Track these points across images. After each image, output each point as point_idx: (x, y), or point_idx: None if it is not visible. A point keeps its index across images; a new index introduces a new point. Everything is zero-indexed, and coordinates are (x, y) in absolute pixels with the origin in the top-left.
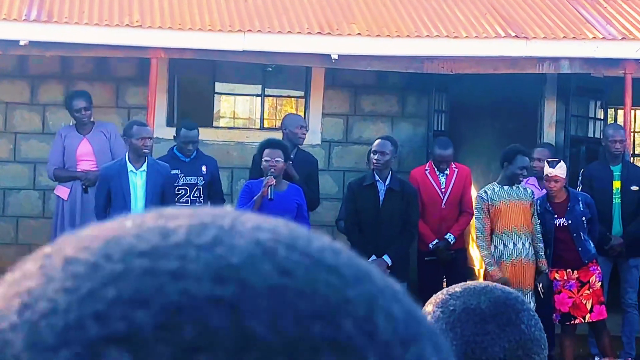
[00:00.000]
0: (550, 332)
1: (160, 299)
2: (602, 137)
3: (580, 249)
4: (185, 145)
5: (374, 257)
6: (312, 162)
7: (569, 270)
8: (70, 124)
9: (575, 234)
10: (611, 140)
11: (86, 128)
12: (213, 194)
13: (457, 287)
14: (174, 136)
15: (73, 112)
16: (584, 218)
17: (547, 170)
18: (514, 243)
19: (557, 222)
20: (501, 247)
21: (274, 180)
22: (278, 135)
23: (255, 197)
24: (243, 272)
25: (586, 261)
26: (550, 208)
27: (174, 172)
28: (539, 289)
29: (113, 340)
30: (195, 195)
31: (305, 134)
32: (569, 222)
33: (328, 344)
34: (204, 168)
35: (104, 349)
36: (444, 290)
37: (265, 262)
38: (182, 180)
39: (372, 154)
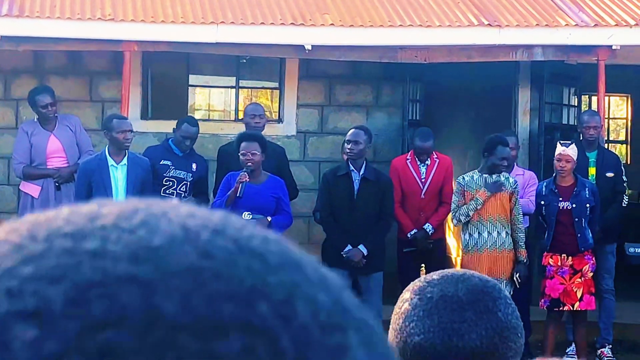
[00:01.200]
0: (526, 320)
1: (74, 276)
2: (577, 123)
3: (579, 235)
4: (184, 139)
5: (349, 247)
6: (280, 153)
7: (564, 256)
8: (34, 119)
9: (577, 219)
10: (586, 127)
11: (51, 123)
12: (198, 193)
13: (434, 275)
14: (173, 129)
15: (38, 108)
16: (588, 205)
17: (559, 149)
18: (488, 232)
19: (561, 205)
20: (476, 235)
21: (247, 177)
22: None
23: (229, 192)
24: (162, 252)
25: (583, 249)
26: (557, 190)
27: (164, 162)
28: (515, 278)
29: (23, 315)
30: (181, 189)
31: (259, 123)
32: (573, 206)
33: (239, 325)
34: (194, 165)
35: (14, 324)
36: (422, 278)
37: (186, 245)
38: (171, 172)
39: (346, 144)
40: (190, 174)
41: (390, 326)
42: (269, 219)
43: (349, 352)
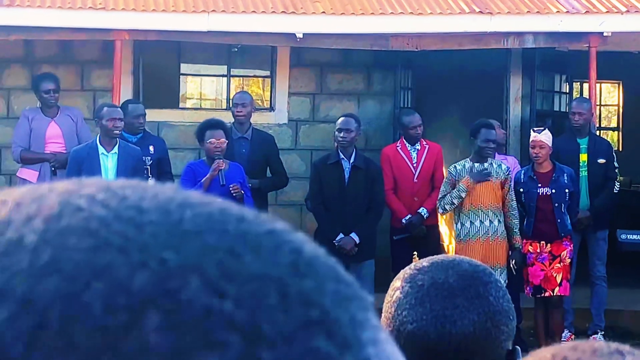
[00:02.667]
0: (517, 306)
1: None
2: (568, 109)
3: (559, 220)
4: (136, 119)
5: (341, 235)
6: (269, 141)
7: (543, 242)
8: (37, 105)
9: (557, 204)
10: (571, 112)
11: (52, 111)
12: (161, 173)
13: (424, 262)
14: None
15: (41, 93)
16: (567, 190)
17: (532, 135)
18: (480, 221)
19: (540, 191)
20: (468, 224)
21: (225, 164)
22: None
23: (203, 180)
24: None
25: (562, 235)
26: (535, 177)
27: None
28: (512, 265)
29: None
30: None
31: (240, 112)
32: (553, 191)
33: (226, 323)
34: (151, 148)
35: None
36: (412, 265)
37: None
38: None
39: (337, 132)
40: (149, 157)
41: (382, 314)
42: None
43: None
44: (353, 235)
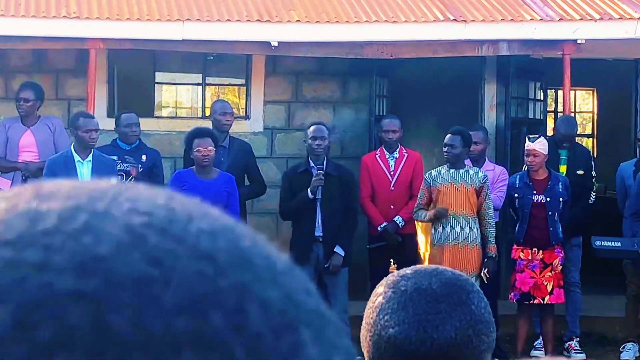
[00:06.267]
0: (494, 315)
1: (18, 295)
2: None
3: (551, 229)
4: (129, 127)
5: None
6: (247, 149)
7: (535, 250)
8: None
9: (550, 213)
10: (556, 131)
11: (30, 120)
12: (152, 183)
13: (407, 270)
14: (115, 129)
15: (15, 102)
16: (561, 199)
17: (527, 144)
18: (451, 226)
19: (535, 198)
20: (440, 229)
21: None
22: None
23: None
24: (109, 263)
25: (554, 243)
26: (531, 183)
27: (111, 157)
28: (483, 274)
29: None
30: (132, 181)
31: (229, 121)
32: (548, 199)
33: (190, 340)
34: (144, 157)
35: None
36: (395, 272)
37: (134, 252)
38: (119, 166)
39: (311, 140)
40: (141, 165)
41: (364, 320)
42: None
43: (302, 351)
44: (338, 249)
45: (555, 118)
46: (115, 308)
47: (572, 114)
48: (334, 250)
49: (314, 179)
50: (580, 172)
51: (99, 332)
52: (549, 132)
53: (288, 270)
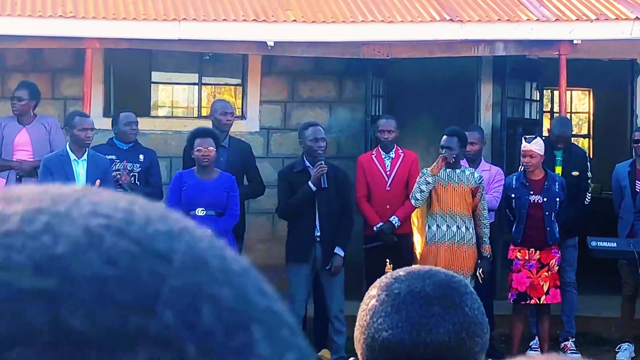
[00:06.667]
0: (489, 315)
1: None
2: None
3: (548, 229)
4: (129, 126)
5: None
6: (246, 149)
7: (532, 250)
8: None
9: (547, 213)
10: (551, 132)
11: (26, 119)
12: (148, 182)
13: (400, 272)
14: (113, 127)
15: (10, 100)
16: (558, 199)
17: (523, 145)
18: (448, 225)
19: (532, 198)
20: (434, 227)
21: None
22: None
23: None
24: (66, 262)
25: (550, 243)
26: (527, 183)
27: (109, 157)
28: (478, 274)
29: None
30: (130, 180)
31: (230, 121)
32: (544, 199)
33: (144, 336)
34: (141, 156)
35: None
36: (388, 274)
37: (90, 251)
38: (116, 165)
39: (311, 142)
40: (138, 165)
41: (357, 323)
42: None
43: (253, 348)
44: (338, 250)
45: (551, 118)
46: (71, 305)
47: (568, 115)
48: (334, 251)
49: (315, 169)
50: (575, 173)
51: (56, 328)
52: (545, 133)
53: (243, 272)
